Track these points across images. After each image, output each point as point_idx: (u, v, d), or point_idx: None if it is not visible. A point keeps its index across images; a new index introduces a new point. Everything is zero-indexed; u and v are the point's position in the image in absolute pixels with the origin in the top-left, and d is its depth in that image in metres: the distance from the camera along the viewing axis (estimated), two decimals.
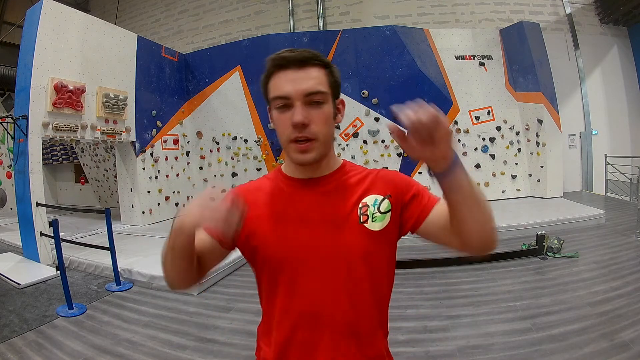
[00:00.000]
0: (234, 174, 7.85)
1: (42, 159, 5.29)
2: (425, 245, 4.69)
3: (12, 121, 4.96)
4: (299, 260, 0.82)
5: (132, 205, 6.65)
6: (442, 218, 0.83)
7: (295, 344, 0.83)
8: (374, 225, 0.83)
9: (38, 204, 4.77)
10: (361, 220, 0.83)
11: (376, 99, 7.20)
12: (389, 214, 0.85)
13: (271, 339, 0.87)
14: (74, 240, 4.70)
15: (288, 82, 0.78)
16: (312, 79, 0.78)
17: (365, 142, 7.34)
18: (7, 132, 5.59)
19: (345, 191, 0.87)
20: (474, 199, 0.75)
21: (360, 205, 0.85)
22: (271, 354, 0.86)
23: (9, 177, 7.58)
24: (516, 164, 7.50)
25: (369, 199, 0.85)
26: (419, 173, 7.34)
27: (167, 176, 7.19)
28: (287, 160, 0.91)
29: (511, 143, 7.47)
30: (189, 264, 0.81)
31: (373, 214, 0.84)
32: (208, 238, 0.86)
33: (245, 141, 7.69)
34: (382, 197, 0.86)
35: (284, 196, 0.88)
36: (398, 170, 6.48)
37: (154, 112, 6.90)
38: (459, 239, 0.80)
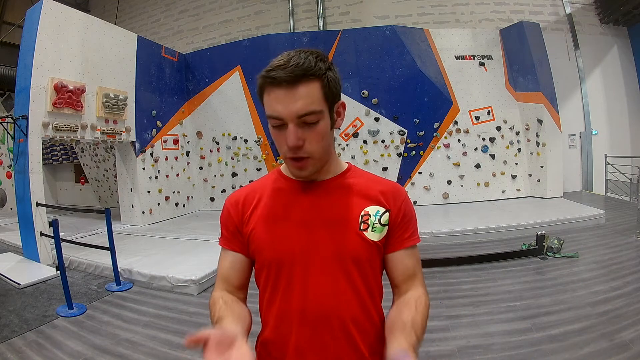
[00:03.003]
0: (234, 174, 7.85)
1: (42, 159, 5.28)
2: (425, 245, 4.68)
3: (12, 121, 4.96)
4: (298, 261, 0.82)
5: (132, 205, 6.65)
6: (403, 269, 0.87)
7: (296, 344, 0.83)
8: (373, 236, 0.84)
9: (38, 204, 4.77)
10: (361, 228, 0.84)
11: (376, 99, 7.20)
12: (386, 227, 0.86)
13: (271, 340, 0.87)
14: (74, 240, 4.70)
15: (279, 103, 0.75)
16: (304, 97, 0.74)
17: (365, 142, 7.34)
18: (7, 132, 5.59)
19: (346, 196, 0.87)
20: None
21: (362, 213, 0.85)
22: (273, 355, 0.86)
23: (9, 177, 7.58)
24: (516, 164, 7.50)
25: (372, 209, 0.85)
26: (418, 173, 7.36)
27: (167, 176, 7.19)
28: None
29: (511, 143, 7.47)
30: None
31: (373, 224, 0.84)
32: (235, 264, 0.91)
33: (245, 141, 7.70)
34: (383, 210, 0.86)
35: (284, 198, 0.88)
36: (398, 170, 6.44)
37: (154, 112, 6.90)
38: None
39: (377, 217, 0.84)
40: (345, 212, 0.85)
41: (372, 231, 0.84)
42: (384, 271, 0.91)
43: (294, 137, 0.76)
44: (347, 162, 0.94)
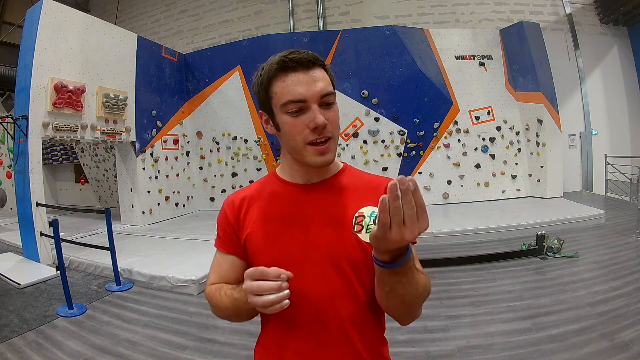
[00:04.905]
0: (234, 174, 7.85)
1: (42, 159, 5.29)
2: (424, 245, 4.68)
3: (12, 121, 4.96)
4: (296, 263, 0.82)
5: (132, 205, 6.65)
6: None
7: (295, 347, 0.82)
8: (367, 237, 0.81)
9: (38, 204, 4.77)
10: (355, 230, 0.82)
11: (376, 99, 7.20)
12: None
13: (271, 343, 0.86)
14: (74, 240, 4.70)
15: (301, 85, 0.76)
16: (322, 79, 0.79)
17: (365, 142, 7.34)
18: (7, 132, 5.59)
19: (342, 197, 0.86)
20: (408, 299, 0.78)
21: (356, 214, 0.83)
22: (273, 358, 0.86)
23: (9, 177, 7.58)
24: (516, 164, 7.49)
25: (366, 210, 0.83)
26: (419, 173, 7.36)
27: (167, 176, 7.19)
28: (283, 163, 0.91)
29: (511, 143, 7.47)
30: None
31: (368, 225, 0.82)
32: (231, 264, 0.91)
33: (245, 141, 7.70)
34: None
35: (280, 201, 0.87)
36: (398, 170, 6.38)
37: (154, 112, 6.90)
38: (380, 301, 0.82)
39: (372, 218, 0.82)
40: (341, 214, 0.84)
41: (366, 233, 0.81)
42: None
43: (322, 116, 0.77)
44: (342, 162, 0.94)
